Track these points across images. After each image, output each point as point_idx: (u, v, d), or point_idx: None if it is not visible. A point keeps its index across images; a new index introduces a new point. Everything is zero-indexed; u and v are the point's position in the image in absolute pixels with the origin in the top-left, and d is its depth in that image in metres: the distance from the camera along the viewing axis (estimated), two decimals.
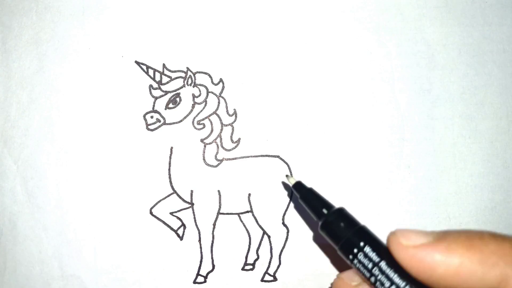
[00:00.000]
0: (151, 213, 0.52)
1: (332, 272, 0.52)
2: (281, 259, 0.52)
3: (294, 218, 0.52)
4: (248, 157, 0.53)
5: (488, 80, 0.54)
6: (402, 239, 0.30)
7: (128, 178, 0.52)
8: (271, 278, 0.52)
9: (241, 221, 0.53)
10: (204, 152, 0.53)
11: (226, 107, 0.53)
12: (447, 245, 0.28)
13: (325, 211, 0.39)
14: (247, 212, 0.52)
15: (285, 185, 0.52)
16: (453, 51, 0.55)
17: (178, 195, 0.52)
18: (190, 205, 0.52)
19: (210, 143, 0.53)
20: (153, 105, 0.53)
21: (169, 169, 0.52)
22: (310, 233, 0.52)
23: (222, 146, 0.53)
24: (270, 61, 0.53)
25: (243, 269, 0.52)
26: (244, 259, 0.52)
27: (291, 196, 0.52)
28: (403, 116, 0.54)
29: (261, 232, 0.52)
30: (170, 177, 0.52)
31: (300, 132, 0.53)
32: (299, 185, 0.43)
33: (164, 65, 0.53)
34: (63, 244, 0.51)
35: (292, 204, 0.52)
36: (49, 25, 0.53)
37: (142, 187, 0.52)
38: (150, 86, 0.53)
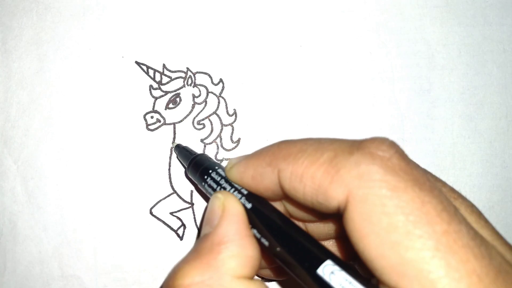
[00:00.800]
0: (151, 213, 0.52)
1: None
2: None
3: None
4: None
5: (488, 80, 0.54)
6: (228, 164, 0.38)
7: (128, 178, 0.52)
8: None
9: None
10: (204, 152, 0.53)
11: (226, 107, 0.53)
12: (247, 159, 0.35)
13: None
14: None
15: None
16: (453, 51, 0.55)
17: (178, 195, 0.52)
18: (190, 205, 0.52)
19: (210, 143, 0.53)
20: (153, 105, 0.53)
21: (169, 169, 0.52)
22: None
23: (222, 146, 0.53)
24: (270, 61, 0.53)
25: None
26: None
27: None
28: (403, 116, 0.54)
29: None
30: (170, 177, 0.52)
31: (300, 132, 0.53)
32: (177, 146, 0.50)
33: (164, 65, 0.53)
34: (63, 244, 0.52)
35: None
36: (50, 26, 0.53)
37: (142, 187, 0.52)
38: (150, 86, 0.53)
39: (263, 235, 0.33)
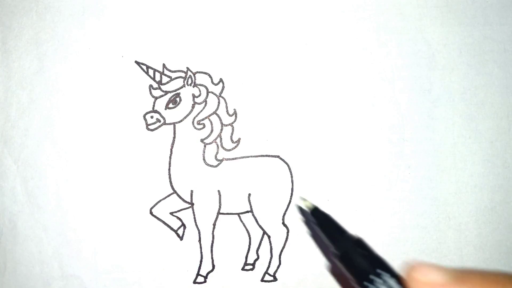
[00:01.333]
0: (151, 213, 0.52)
1: None
2: (281, 259, 0.52)
3: (294, 218, 0.52)
4: (248, 157, 0.53)
5: (489, 80, 0.54)
6: (420, 276, 0.29)
7: (128, 178, 0.52)
8: (271, 278, 0.52)
9: (241, 221, 0.53)
10: (204, 152, 0.53)
11: (226, 107, 0.53)
12: (464, 284, 0.28)
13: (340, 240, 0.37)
14: (247, 212, 0.52)
15: (285, 185, 0.52)
16: (454, 51, 0.54)
17: (178, 195, 0.52)
18: (190, 205, 0.52)
19: (210, 143, 0.53)
20: (153, 105, 0.53)
21: (169, 169, 0.52)
22: (310, 233, 0.52)
23: (222, 146, 0.53)
24: (270, 61, 0.53)
25: (243, 269, 0.52)
26: (244, 259, 0.52)
27: (291, 196, 0.52)
28: (403, 116, 0.54)
29: (261, 232, 0.52)
30: (170, 177, 0.52)
31: (300, 132, 0.53)
32: (315, 211, 0.40)
33: (164, 65, 0.53)
34: (63, 244, 0.52)
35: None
36: (49, 25, 0.53)
37: (142, 187, 0.52)
38: (150, 86, 0.53)
39: None
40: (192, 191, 0.52)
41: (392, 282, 0.31)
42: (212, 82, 0.53)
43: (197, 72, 0.53)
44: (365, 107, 0.53)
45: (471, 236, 0.53)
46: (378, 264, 0.34)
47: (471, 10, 0.55)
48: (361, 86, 0.54)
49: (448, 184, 0.53)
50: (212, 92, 0.53)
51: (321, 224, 0.39)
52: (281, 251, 0.52)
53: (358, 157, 0.53)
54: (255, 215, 0.52)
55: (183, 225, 0.52)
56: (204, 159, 0.53)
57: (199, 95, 0.53)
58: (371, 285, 0.32)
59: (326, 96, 0.53)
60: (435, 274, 0.29)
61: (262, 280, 0.52)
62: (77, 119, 0.53)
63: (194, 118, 0.53)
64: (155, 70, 0.53)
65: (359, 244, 0.36)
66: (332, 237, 0.37)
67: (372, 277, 0.32)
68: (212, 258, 0.52)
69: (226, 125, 0.53)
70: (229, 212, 0.52)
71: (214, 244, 0.52)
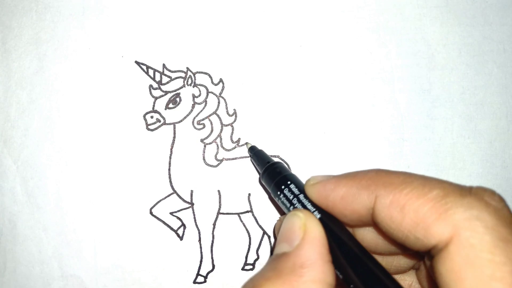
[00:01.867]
0: (151, 213, 0.52)
1: None
2: None
3: None
4: (248, 157, 0.53)
5: (488, 80, 0.54)
6: (310, 180, 0.37)
7: (128, 178, 0.52)
8: None
9: (241, 221, 0.53)
10: (204, 152, 0.53)
11: (226, 107, 0.53)
12: (336, 179, 0.35)
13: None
14: (247, 212, 0.52)
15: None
16: (453, 51, 0.55)
17: (178, 195, 0.52)
18: (190, 205, 0.52)
19: (210, 143, 0.53)
20: (153, 105, 0.53)
21: (169, 169, 0.52)
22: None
23: (222, 146, 0.53)
24: (270, 61, 0.53)
25: (243, 269, 0.52)
26: (244, 259, 0.52)
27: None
28: (403, 116, 0.54)
29: (261, 232, 0.53)
30: (170, 177, 0.52)
31: (300, 132, 0.53)
32: (252, 148, 0.51)
33: (164, 65, 0.53)
34: (63, 244, 0.52)
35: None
36: (49, 25, 0.53)
37: (142, 187, 0.52)
38: (150, 86, 0.53)
39: (338, 264, 0.32)
40: (192, 191, 0.52)
41: (295, 190, 0.39)
42: (212, 82, 0.53)
43: (197, 72, 0.53)
44: (365, 107, 0.53)
45: None
46: (287, 176, 0.42)
47: (471, 10, 0.55)
48: (361, 86, 0.54)
49: None
50: (212, 92, 0.53)
51: (252, 157, 0.50)
52: None
53: (358, 157, 0.53)
54: (255, 215, 0.52)
55: (183, 225, 0.52)
56: (204, 159, 0.53)
57: (199, 95, 0.53)
58: (281, 195, 0.40)
59: (326, 96, 0.53)
60: (321, 177, 0.37)
61: None
62: (77, 119, 0.52)
63: (194, 118, 0.53)
64: (155, 70, 0.53)
65: (277, 165, 0.44)
66: (261, 164, 0.47)
67: (282, 187, 0.40)
68: (212, 258, 0.52)
69: (226, 125, 0.53)
70: (229, 212, 0.52)
71: (214, 244, 0.52)
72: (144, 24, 0.53)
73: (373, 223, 0.33)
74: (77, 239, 0.52)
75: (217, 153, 0.53)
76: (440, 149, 0.54)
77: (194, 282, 0.51)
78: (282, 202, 0.41)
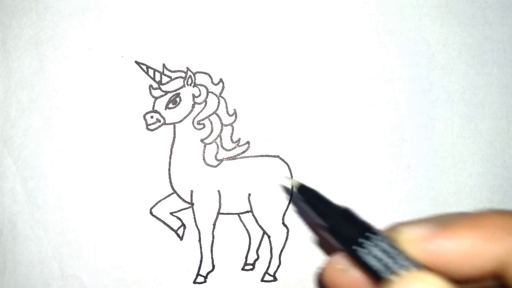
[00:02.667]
0: (151, 213, 0.52)
1: None
2: (281, 259, 0.52)
3: (294, 218, 0.52)
4: (248, 157, 0.53)
5: (488, 80, 0.54)
6: (406, 234, 0.30)
7: (128, 178, 0.52)
8: (271, 278, 0.52)
9: (241, 221, 0.53)
10: (204, 152, 0.53)
11: (226, 107, 0.53)
12: (453, 230, 0.28)
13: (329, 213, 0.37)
14: (247, 212, 0.52)
15: (285, 186, 0.52)
16: (453, 51, 0.55)
17: (178, 195, 0.52)
18: (190, 205, 0.52)
19: (210, 143, 0.53)
20: (153, 105, 0.53)
21: (169, 169, 0.52)
22: (310, 233, 0.52)
23: (222, 146, 0.53)
24: (270, 61, 0.53)
25: (243, 269, 0.52)
26: (244, 259, 0.52)
27: (291, 195, 0.52)
28: (403, 116, 0.54)
29: (261, 232, 0.53)
30: (170, 177, 0.52)
31: (300, 132, 0.53)
32: (302, 188, 0.40)
33: (164, 65, 0.53)
34: (63, 244, 0.51)
35: (291, 205, 0.52)
36: (49, 25, 0.53)
37: (142, 187, 0.52)
38: (150, 86, 0.53)
39: None
40: (192, 191, 0.52)
41: (383, 244, 0.30)
42: (212, 82, 0.53)
43: (197, 72, 0.53)
44: (365, 107, 0.53)
45: None
46: (367, 230, 0.33)
47: (471, 10, 0.55)
48: (361, 86, 0.54)
49: (448, 184, 0.53)
50: (212, 92, 0.53)
51: (308, 200, 0.38)
52: (281, 251, 0.52)
53: (358, 157, 0.53)
54: (255, 215, 0.52)
55: (183, 225, 0.52)
56: (204, 159, 0.53)
57: (199, 95, 0.53)
58: (360, 248, 0.31)
59: (326, 96, 0.53)
60: (419, 228, 0.29)
61: (262, 280, 0.52)
62: (77, 119, 0.52)
63: (194, 118, 0.53)
64: (155, 70, 0.53)
65: (347, 214, 0.36)
66: (320, 211, 0.37)
67: (361, 240, 0.31)
68: (212, 258, 0.52)
69: (226, 125, 0.53)
70: (229, 212, 0.52)
71: (214, 244, 0.52)
72: (144, 24, 0.53)
73: (500, 278, 0.28)
74: (77, 239, 0.51)
75: (217, 153, 0.53)
76: (440, 149, 0.54)
77: (194, 282, 0.51)
78: (368, 264, 0.31)
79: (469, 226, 0.28)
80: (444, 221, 0.29)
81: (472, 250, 0.27)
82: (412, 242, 0.29)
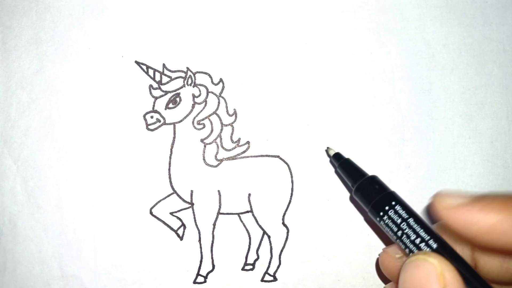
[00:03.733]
0: (151, 213, 0.52)
1: (333, 272, 0.52)
2: (281, 259, 0.52)
3: (294, 218, 0.52)
4: (248, 157, 0.53)
5: (489, 80, 0.54)
6: (445, 200, 0.32)
7: (128, 178, 0.52)
8: (271, 278, 0.52)
9: (241, 221, 0.53)
10: (204, 152, 0.53)
11: (226, 107, 0.53)
12: (484, 205, 0.30)
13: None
14: (247, 212, 0.52)
15: (285, 185, 0.52)
16: (454, 51, 0.55)
17: (178, 195, 0.52)
18: (190, 205, 0.52)
19: (210, 143, 0.53)
20: (153, 105, 0.53)
21: (169, 169, 0.52)
22: (310, 233, 0.52)
23: (222, 146, 0.53)
24: (270, 61, 0.53)
25: (243, 269, 0.52)
26: (244, 259, 0.52)
27: (291, 195, 0.52)
28: (404, 116, 0.54)
29: (261, 232, 0.52)
30: (170, 177, 0.52)
31: (300, 132, 0.53)
32: (337, 156, 0.48)
33: (164, 65, 0.53)
34: (63, 244, 0.51)
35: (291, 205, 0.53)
36: (49, 25, 0.53)
37: (142, 187, 0.52)
38: (150, 86, 0.53)
39: None
40: (192, 191, 0.52)
41: (403, 212, 0.35)
42: (212, 82, 0.53)
43: (197, 72, 0.53)
44: (365, 107, 0.53)
45: None
46: (390, 195, 0.38)
47: (471, 10, 0.55)
48: (361, 86, 0.54)
49: (448, 184, 0.53)
50: (212, 92, 0.53)
51: (341, 166, 0.46)
52: (281, 251, 0.52)
53: (358, 157, 0.53)
54: (255, 215, 0.52)
55: (183, 225, 0.52)
56: (204, 159, 0.53)
57: (199, 95, 0.53)
58: (383, 216, 0.36)
59: (326, 96, 0.53)
60: (457, 198, 0.32)
61: (262, 280, 0.52)
62: (77, 119, 0.53)
63: (194, 118, 0.53)
64: (155, 70, 0.53)
65: (373, 180, 0.41)
66: (351, 175, 0.44)
67: (386, 207, 0.36)
68: (212, 258, 0.52)
69: (226, 125, 0.53)
70: (229, 212, 0.52)
71: (214, 244, 0.52)
72: (144, 24, 0.53)
73: None
74: (77, 239, 0.51)
75: (217, 153, 0.53)
76: (441, 149, 0.53)
77: (194, 282, 0.51)
78: (389, 227, 0.36)
79: (501, 205, 0.30)
80: (477, 197, 0.31)
81: (500, 228, 0.29)
82: (449, 209, 0.31)
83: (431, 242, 0.32)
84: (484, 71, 0.54)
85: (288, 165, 0.53)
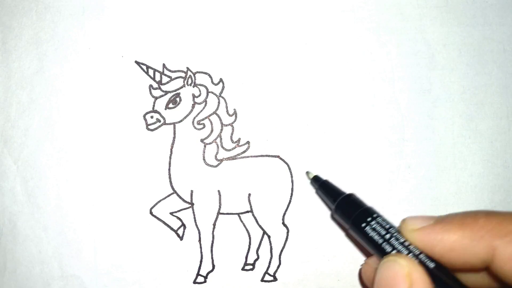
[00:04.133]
0: (151, 213, 0.52)
1: (333, 272, 0.52)
2: (281, 259, 0.52)
3: (294, 218, 0.52)
4: (248, 157, 0.53)
5: (488, 80, 0.54)
6: (409, 224, 0.35)
7: (128, 178, 0.52)
8: (271, 278, 0.52)
9: (241, 221, 0.53)
10: (204, 152, 0.53)
11: (226, 107, 0.53)
12: (443, 225, 0.32)
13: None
14: (247, 212, 0.52)
15: (285, 185, 0.52)
16: (453, 51, 0.55)
17: (178, 195, 0.52)
18: (190, 205, 0.52)
19: (210, 143, 0.53)
20: (153, 105, 0.53)
21: (169, 169, 0.52)
22: (310, 233, 0.52)
23: (222, 146, 0.53)
24: (270, 61, 0.53)
25: (243, 269, 0.52)
26: (244, 259, 0.52)
27: (291, 195, 0.52)
28: (404, 116, 0.54)
29: (261, 232, 0.52)
30: (170, 177, 0.52)
31: (300, 132, 0.53)
32: (316, 178, 0.50)
33: (164, 65, 0.53)
34: (63, 244, 0.51)
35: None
36: (49, 25, 0.53)
37: (142, 187, 0.52)
38: (150, 86, 0.53)
39: None
40: (192, 191, 0.52)
41: (384, 223, 0.38)
42: (212, 82, 0.53)
43: (197, 72, 0.53)
44: (365, 107, 0.53)
45: None
46: (370, 209, 0.42)
47: (471, 10, 0.55)
48: (361, 86, 0.54)
49: (448, 184, 0.53)
50: (212, 92, 0.53)
51: (320, 187, 0.49)
52: (281, 251, 0.52)
53: (358, 157, 0.53)
54: (255, 215, 0.52)
55: (183, 225, 0.52)
56: (204, 159, 0.53)
57: (199, 95, 0.53)
58: (366, 229, 0.39)
59: (326, 96, 0.53)
60: (420, 221, 0.34)
61: (262, 280, 0.52)
62: (77, 119, 0.53)
63: (194, 118, 0.53)
64: (155, 70, 0.53)
65: (350, 198, 0.44)
66: (330, 195, 0.47)
67: (368, 219, 0.39)
68: (212, 258, 0.52)
69: (226, 125, 0.53)
70: (229, 212, 0.52)
71: (214, 244, 0.52)
72: (144, 24, 0.53)
73: (487, 270, 0.31)
74: (77, 239, 0.51)
75: (217, 153, 0.53)
76: (441, 149, 0.53)
77: (194, 282, 0.51)
78: (368, 239, 0.39)
79: (459, 224, 0.32)
80: (442, 218, 0.33)
81: (460, 246, 0.31)
82: (416, 232, 0.34)
83: (422, 257, 0.34)
84: (484, 71, 0.54)
85: (288, 165, 0.53)
